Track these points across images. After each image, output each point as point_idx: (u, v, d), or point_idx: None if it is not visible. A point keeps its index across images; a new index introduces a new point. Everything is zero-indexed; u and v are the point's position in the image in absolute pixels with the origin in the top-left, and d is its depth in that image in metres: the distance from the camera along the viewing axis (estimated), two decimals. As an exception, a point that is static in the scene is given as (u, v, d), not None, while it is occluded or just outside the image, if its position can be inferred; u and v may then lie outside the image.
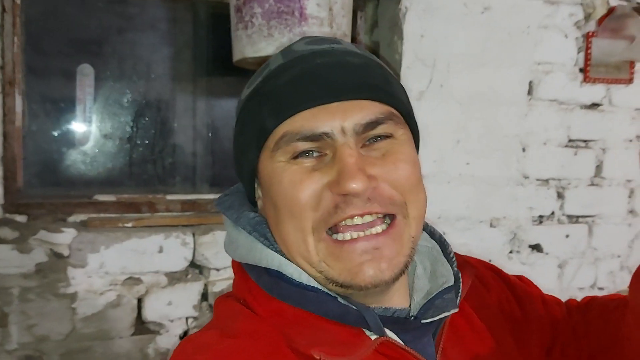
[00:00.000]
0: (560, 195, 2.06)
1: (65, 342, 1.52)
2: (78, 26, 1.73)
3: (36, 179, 1.67)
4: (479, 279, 0.76)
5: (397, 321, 0.62)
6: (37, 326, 1.50)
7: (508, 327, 0.75)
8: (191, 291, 1.65)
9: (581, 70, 2.00)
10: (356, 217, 0.59)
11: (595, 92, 2.04)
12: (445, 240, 0.72)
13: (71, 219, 1.60)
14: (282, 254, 0.62)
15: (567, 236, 2.08)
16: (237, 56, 1.52)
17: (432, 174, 1.84)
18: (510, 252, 2.01)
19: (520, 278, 0.84)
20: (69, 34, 1.72)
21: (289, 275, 0.61)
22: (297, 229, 0.60)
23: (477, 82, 1.86)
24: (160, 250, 1.61)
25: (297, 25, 1.42)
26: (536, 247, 2.05)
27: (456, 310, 0.64)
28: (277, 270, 0.61)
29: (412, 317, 0.64)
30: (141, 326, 1.61)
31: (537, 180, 2.01)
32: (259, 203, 0.68)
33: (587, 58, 1.97)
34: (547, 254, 2.05)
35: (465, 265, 0.70)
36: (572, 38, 1.98)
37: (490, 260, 1.97)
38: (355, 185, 0.56)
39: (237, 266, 0.67)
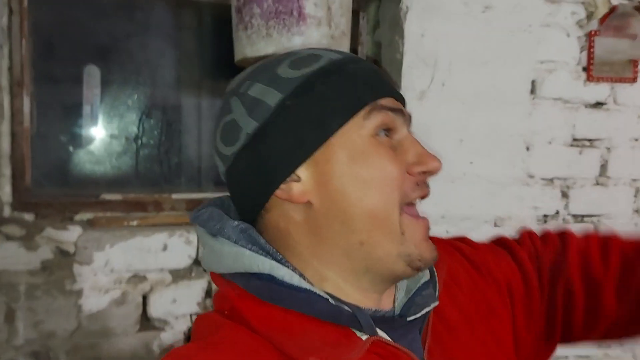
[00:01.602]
0: (565, 195, 2.05)
1: (71, 339, 1.55)
2: (85, 29, 1.76)
3: (44, 178, 1.70)
4: (448, 270, 0.77)
5: (385, 320, 0.64)
6: (43, 323, 1.53)
7: (482, 311, 0.75)
8: (195, 288, 1.67)
9: (584, 69, 2.00)
10: (422, 199, 0.65)
11: (599, 91, 2.04)
12: None
13: (78, 217, 1.63)
14: (275, 256, 0.62)
15: (572, 236, 2.06)
16: (238, 56, 1.55)
17: (435, 173, 1.85)
18: (515, 251, 2.00)
19: (463, 241, 0.85)
20: (77, 37, 1.76)
21: (280, 277, 0.61)
22: (388, 201, 0.62)
23: (480, 80, 1.87)
24: (165, 248, 1.63)
25: (296, 25, 1.44)
26: (541, 247, 2.04)
27: (436, 303, 0.66)
28: (267, 274, 0.61)
29: (398, 316, 0.65)
30: (146, 323, 1.63)
31: (542, 179, 2.01)
32: (296, 187, 0.63)
33: (589, 57, 1.97)
34: (552, 253, 2.04)
35: (438, 261, 0.71)
36: (574, 37, 1.98)
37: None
38: (438, 164, 0.64)
39: (220, 279, 0.66)
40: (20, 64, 1.61)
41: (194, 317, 1.67)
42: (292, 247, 0.65)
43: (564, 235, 0.87)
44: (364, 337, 0.60)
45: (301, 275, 0.62)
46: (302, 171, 0.64)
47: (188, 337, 1.68)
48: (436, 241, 0.77)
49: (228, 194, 0.71)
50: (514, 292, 0.79)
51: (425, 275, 0.69)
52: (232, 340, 0.59)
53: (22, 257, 1.50)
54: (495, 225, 1.96)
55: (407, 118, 0.67)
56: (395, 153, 0.64)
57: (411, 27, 1.77)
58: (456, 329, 0.71)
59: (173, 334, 1.65)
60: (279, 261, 0.62)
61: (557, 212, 2.04)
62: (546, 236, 0.87)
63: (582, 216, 2.08)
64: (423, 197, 0.65)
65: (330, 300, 0.60)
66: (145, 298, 1.63)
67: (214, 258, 0.65)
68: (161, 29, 1.83)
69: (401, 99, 0.68)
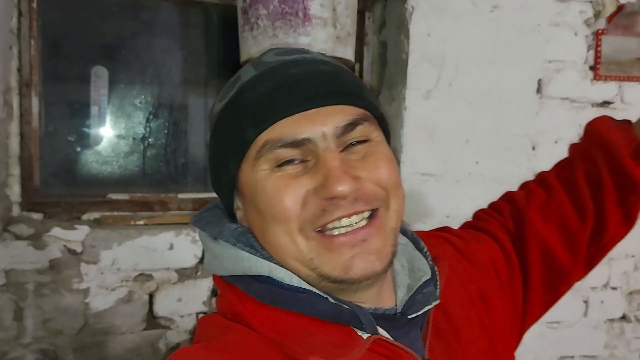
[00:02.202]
0: (572, 194, 2.04)
1: (79, 337, 1.57)
2: (93, 30, 1.77)
3: (52, 178, 1.72)
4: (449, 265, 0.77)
5: (386, 318, 0.64)
6: (51, 321, 1.54)
7: (477, 304, 0.76)
8: (201, 287, 1.68)
9: (591, 68, 1.99)
10: (344, 219, 0.60)
11: (606, 89, 2.03)
12: (417, 236, 0.74)
13: (85, 216, 1.65)
14: (272, 259, 0.63)
15: (579, 235, 2.06)
16: (244, 57, 1.55)
17: (441, 173, 1.85)
18: (522, 251, 2.00)
19: (448, 231, 0.86)
20: (85, 37, 1.77)
21: (280, 279, 0.61)
22: (284, 231, 0.61)
23: (487, 80, 1.86)
24: (171, 248, 1.64)
25: (301, 25, 1.45)
26: (548, 247, 2.03)
27: (437, 302, 0.65)
28: (267, 276, 0.62)
29: (400, 314, 0.65)
30: (152, 321, 1.65)
31: (548, 179, 2.00)
32: (239, 214, 0.68)
33: (597, 56, 1.96)
34: (559, 253, 2.04)
35: (439, 259, 0.71)
36: (582, 36, 1.97)
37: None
38: (343, 187, 0.58)
39: (221, 281, 0.66)
40: (29, 65, 1.63)
41: (199, 316, 1.68)
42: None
43: (508, 197, 0.91)
44: (365, 335, 0.60)
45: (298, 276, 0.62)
46: (238, 200, 0.68)
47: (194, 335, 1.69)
48: (426, 235, 0.77)
49: None
50: (499, 268, 0.81)
51: (426, 274, 0.68)
52: (242, 343, 0.59)
53: (31, 256, 1.52)
54: (501, 225, 1.95)
55: (335, 129, 0.61)
56: (304, 179, 0.60)
57: (417, 26, 1.77)
58: (459, 324, 0.71)
59: (179, 333, 1.66)
60: (276, 264, 0.63)
61: (564, 212, 2.03)
62: (497, 205, 0.91)
63: (589, 216, 2.07)
64: (349, 216, 0.60)
65: (330, 299, 0.61)
66: (151, 297, 1.64)
67: (215, 261, 0.66)
68: (168, 29, 1.84)
69: (340, 98, 0.63)
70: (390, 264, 0.63)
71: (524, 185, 0.92)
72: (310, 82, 0.62)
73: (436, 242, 0.79)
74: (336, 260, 0.60)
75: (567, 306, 2.06)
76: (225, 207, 0.70)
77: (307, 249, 0.60)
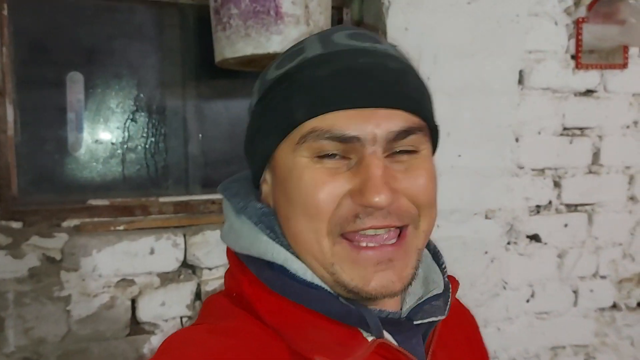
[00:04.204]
0: (557, 184, 2.03)
1: (62, 344, 1.56)
2: (68, 35, 1.75)
3: (31, 186, 1.70)
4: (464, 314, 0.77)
5: (391, 322, 0.63)
6: (33, 329, 1.53)
7: None
8: (184, 291, 1.67)
9: (573, 57, 1.97)
10: (371, 229, 0.59)
11: (589, 78, 2.02)
12: (438, 251, 0.73)
13: (65, 224, 1.64)
14: (289, 249, 0.62)
15: (565, 225, 2.05)
16: (218, 57, 1.54)
17: (423, 167, 1.83)
18: (508, 243, 2.00)
19: None
20: (59, 42, 1.75)
21: (294, 271, 0.61)
22: (311, 229, 0.59)
23: (466, 73, 1.85)
24: (152, 252, 1.63)
25: (274, 24, 1.43)
26: (534, 238, 2.03)
27: (444, 316, 0.65)
28: (280, 265, 0.61)
29: (404, 319, 0.65)
30: (136, 327, 1.64)
31: (533, 170, 2.00)
32: (265, 187, 0.67)
33: (578, 44, 1.95)
34: (545, 244, 2.03)
35: (452, 280, 0.71)
36: (562, 25, 1.96)
37: (486, 253, 1.96)
38: (380, 199, 0.56)
39: (234, 257, 0.66)
40: (1, 73, 1.61)
41: (184, 320, 1.68)
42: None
43: None
44: (370, 338, 0.59)
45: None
46: (268, 174, 0.66)
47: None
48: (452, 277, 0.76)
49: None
50: None
51: (439, 287, 0.67)
52: (244, 331, 0.58)
53: (9, 265, 1.51)
54: (486, 217, 1.95)
55: (388, 134, 0.58)
56: (342, 177, 0.58)
57: (394, 21, 1.76)
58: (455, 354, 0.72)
59: (163, 337, 1.64)
60: (293, 254, 0.62)
61: (550, 203, 2.03)
62: None
63: (576, 205, 2.07)
64: (379, 228, 0.59)
65: (341, 299, 0.60)
66: (134, 302, 1.63)
67: (233, 235, 0.65)
68: (143, 32, 1.83)
69: (400, 102, 0.59)
70: (409, 285, 0.63)
71: None
72: (375, 78, 0.59)
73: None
74: (358, 272, 0.59)
75: (556, 296, 2.06)
76: (252, 176, 0.68)
77: (330, 252, 0.59)
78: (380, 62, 0.60)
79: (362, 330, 0.60)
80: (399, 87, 0.60)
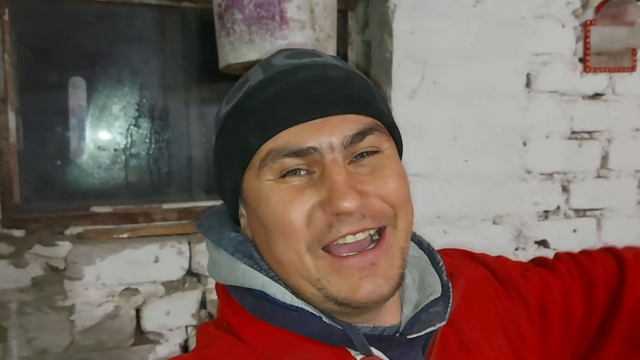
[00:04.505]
0: (565, 189, 2.01)
1: (65, 354, 1.54)
2: (69, 41, 1.74)
3: (34, 194, 1.69)
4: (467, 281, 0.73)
5: (383, 339, 0.61)
6: (36, 339, 1.51)
7: (504, 326, 0.72)
8: (189, 300, 1.65)
9: (580, 60, 1.95)
10: (349, 236, 0.58)
11: (597, 81, 1.99)
12: (433, 249, 0.71)
13: (68, 231, 1.62)
14: (268, 273, 0.62)
15: (574, 231, 2.03)
16: (222, 63, 1.52)
17: (429, 173, 1.81)
18: (516, 249, 1.97)
19: (495, 258, 0.82)
20: (61, 49, 1.73)
21: (273, 294, 0.60)
22: (291, 249, 0.58)
23: (472, 76, 1.83)
24: (156, 260, 1.61)
25: (278, 29, 1.41)
26: (542, 243, 2.00)
27: (443, 323, 0.63)
28: (260, 291, 0.60)
29: (399, 334, 0.63)
30: (140, 336, 1.62)
31: (541, 174, 1.97)
32: (242, 221, 0.67)
33: (586, 47, 1.92)
34: (554, 249, 2.00)
35: (455, 275, 0.69)
36: (569, 27, 1.94)
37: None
38: (348, 204, 0.55)
39: (221, 289, 0.66)
40: (4, 80, 1.59)
41: (189, 329, 1.65)
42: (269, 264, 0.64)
43: (613, 251, 0.82)
44: (359, 357, 0.58)
45: (293, 293, 0.61)
46: (242, 207, 0.66)
47: (185, 349, 1.66)
48: (455, 253, 0.74)
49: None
50: (549, 311, 0.76)
51: (436, 291, 0.65)
52: (229, 352, 0.59)
53: (12, 275, 1.49)
54: (494, 222, 1.92)
55: (343, 139, 0.58)
56: (309, 191, 0.58)
57: (400, 25, 1.73)
58: (470, 344, 0.68)
59: (169, 347, 1.63)
60: (272, 278, 0.61)
61: (558, 208, 2.00)
62: (589, 252, 0.84)
63: (585, 210, 2.04)
64: (355, 234, 0.58)
65: (324, 318, 0.59)
66: (138, 311, 1.61)
67: (215, 268, 0.66)
68: (145, 36, 1.81)
69: (349, 106, 0.59)
70: (399, 286, 0.61)
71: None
72: (319, 89, 0.59)
73: (462, 259, 0.76)
74: (344, 282, 0.58)
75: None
76: (230, 212, 0.68)
77: (314, 268, 0.58)
78: (322, 73, 0.61)
79: (350, 350, 0.59)
80: (344, 92, 0.60)
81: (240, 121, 0.61)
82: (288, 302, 0.60)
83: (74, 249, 1.54)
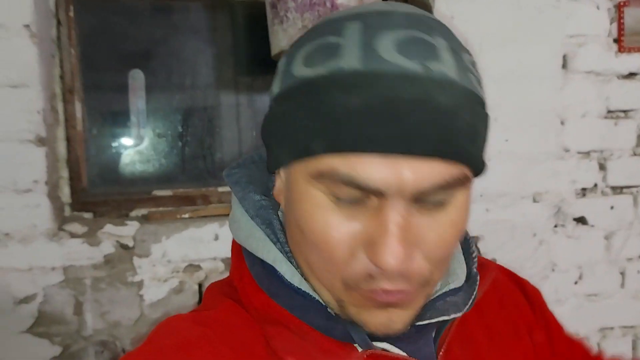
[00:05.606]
0: (602, 167, 2.06)
1: (135, 327, 1.64)
2: (127, 36, 1.85)
3: (98, 179, 1.80)
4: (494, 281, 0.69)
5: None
6: (109, 313, 1.62)
7: (520, 339, 0.71)
8: (247, 275, 1.74)
9: (615, 40, 2.00)
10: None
11: (631, 61, 2.04)
12: (470, 238, 0.66)
13: (133, 213, 1.72)
14: (284, 247, 0.58)
15: (612, 208, 2.08)
16: (275, 50, 1.61)
17: (471, 152, 1.88)
18: (555, 226, 2.03)
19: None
20: (120, 43, 1.84)
21: (282, 273, 0.57)
22: (324, 269, 0.54)
23: (510, 59, 1.90)
24: (216, 238, 1.71)
25: (331, 15, 1.50)
26: (581, 220, 2.06)
27: (459, 315, 0.58)
28: (271, 265, 0.57)
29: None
30: (202, 310, 1.71)
31: (578, 153, 2.03)
32: (278, 183, 0.60)
33: (620, 28, 1.98)
34: (592, 226, 2.06)
35: (485, 266, 0.66)
36: (604, 9, 1.99)
37: (535, 235, 1.99)
38: (392, 263, 0.48)
39: (237, 247, 0.63)
40: (70, 72, 1.70)
41: (247, 303, 1.75)
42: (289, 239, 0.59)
43: None
44: (360, 349, 0.56)
45: (303, 275, 0.57)
46: (283, 170, 0.58)
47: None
48: (487, 264, 0.69)
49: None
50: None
51: (459, 280, 0.61)
52: (226, 323, 0.56)
53: (86, 253, 1.59)
54: (534, 200, 1.99)
55: (411, 189, 0.49)
56: (358, 223, 0.51)
57: (441, 10, 1.81)
58: (497, 339, 0.67)
59: (228, 320, 1.72)
60: (286, 253, 0.58)
61: (596, 185, 2.06)
62: None
63: (622, 187, 2.09)
64: (388, 297, 0.52)
65: (329, 309, 0.56)
66: (200, 286, 1.71)
67: (235, 225, 0.63)
68: (197, 30, 1.91)
69: (442, 152, 0.48)
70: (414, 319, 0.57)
71: None
72: (416, 117, 0.47)
73: (491, 269, 0.69)
74: (364, 317, 0.54)
75: (604, 278, 2.08)
76: (267, 161, 0.60)
77: (343, 293, 0.54)
78: (429, 97, 0.48)
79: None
80: (445, 132, 0.48)
81: (311, 110, 0.50)
82: (296, 285, 0.56)
83: (142, 228, 1.65)
